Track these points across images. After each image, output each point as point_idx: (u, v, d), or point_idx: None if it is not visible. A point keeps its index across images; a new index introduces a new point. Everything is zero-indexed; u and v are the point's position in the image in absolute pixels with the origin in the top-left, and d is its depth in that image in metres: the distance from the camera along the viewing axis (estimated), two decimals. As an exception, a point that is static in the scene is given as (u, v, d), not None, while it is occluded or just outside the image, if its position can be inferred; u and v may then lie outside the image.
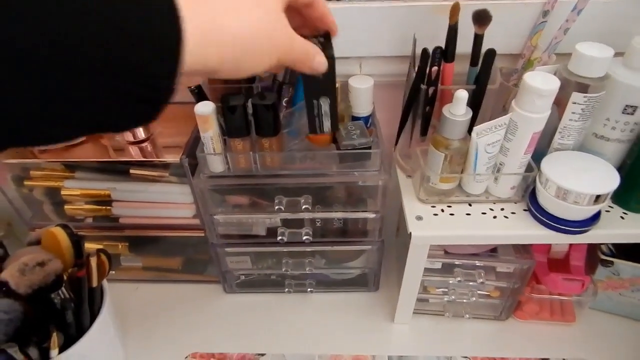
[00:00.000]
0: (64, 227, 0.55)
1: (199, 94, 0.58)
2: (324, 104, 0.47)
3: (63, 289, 0.50)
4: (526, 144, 0.51)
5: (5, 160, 0.60)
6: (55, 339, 0.49)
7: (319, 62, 0.36)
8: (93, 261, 0.52)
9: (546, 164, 0.52)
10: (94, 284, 0.53)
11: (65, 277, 0.53)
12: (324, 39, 0.43)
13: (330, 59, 0.42)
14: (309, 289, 0.70)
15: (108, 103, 0.23)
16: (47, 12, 0.20)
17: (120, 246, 0.70)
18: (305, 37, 0.36)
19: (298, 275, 0.70)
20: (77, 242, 0.54)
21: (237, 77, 0.30)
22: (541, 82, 0.48)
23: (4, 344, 0.46)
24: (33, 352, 0.48)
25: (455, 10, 0.48)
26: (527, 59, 0.56)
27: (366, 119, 0.61)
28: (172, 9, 0.23)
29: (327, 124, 0.48)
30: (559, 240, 0.54)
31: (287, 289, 0.70)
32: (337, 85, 0.58)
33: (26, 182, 0.62)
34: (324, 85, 0.45)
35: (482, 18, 0.48)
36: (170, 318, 0.70)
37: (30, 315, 0.49)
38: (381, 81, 0.62)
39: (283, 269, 0.67)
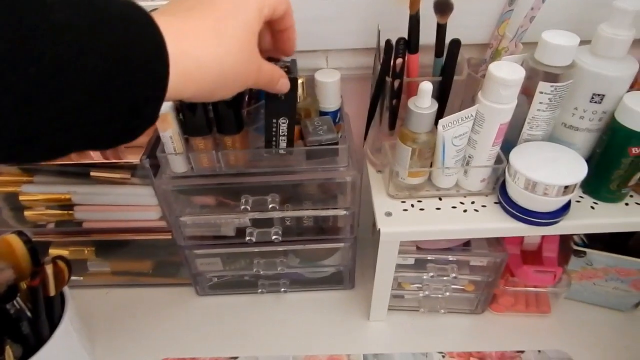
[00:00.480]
0: (20, 234, 0.52)
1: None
2: (283, 124, 0.50)
3: (17, 299, 0.48)
4: (494, 135, 0.50)
5: (-43, 165, 0.57)
6: (9, 351, 0.47)
7: (282, 84, 0.40)
8: (49, 269, 0.50)
9: (515, 155, 0.51)
10: (51, 292, 0.51)
11: (24, 286, 0.51)
12: (290, 63, 0.48)
13: (293, 81, 0.45)
14: (282, 289, 0.68)
15: (95, 132, 0.24)
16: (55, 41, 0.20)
17: (86, 251, 0.67)
18: (271, 60, 0.39)
19: (271, 275, 0.68)
20: (33, 249, 0.52)
21: (207, 101, 0.33)
22: (506, 72, 0.46)
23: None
24: (-14, 366, 0.45)
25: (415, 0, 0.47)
26: (495, 49, 0.55)
27: (334, 114, 0.60)
28: (161, 55, 0.25)
29: (283, 144, 0.52)
30: (530, 233, 0.54)
31: (260, 290, 0.69)
32: (303, 80, 0.57)
33: (-19, 188, 0.59)
34: (285, 106, 0.48)
35: (443, 7, 0.47)
36: (142, 323, 0.68)
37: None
38: (349, 75, 0.60)
39: (254, 270, 0.65)
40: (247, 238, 0.60)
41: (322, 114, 0.60)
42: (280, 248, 0.64)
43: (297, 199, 0.60)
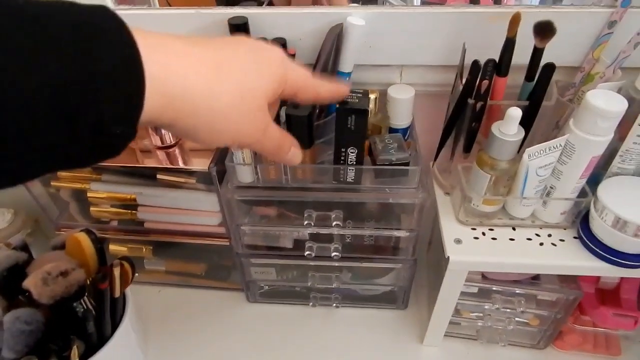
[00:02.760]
0: (89, 232, 0.53)
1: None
2: (352, 154, 0.50)
3: (85, 298, 0.49)
4: (583, 168, 0.47)
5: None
6: (75, 350, 0.48)
7: (293, 155, 0.34)
8: (116, 271, 0.50)
9: (603, 189, 0.48)
10: (117, 294, 0.51)
11: (88, 283, 0.52)
12: (362, 94, 0.46)
13: (364, 113, 0.45)
14: (334, 304, 0.67)
15: (60, 154, 0.22)
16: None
17: (144, 249, 0.68)
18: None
19: (324, 289, 0.67)
20: (101, 249, 0.53)
21: (190, 140, 0.29)
22: (605, 101, 0.43)
23: (25, 357, 0.44)
24: (53, 363, 0.46)
25: (515, 21, 0.44)
26: (587, 73, 0.51)
27: (404, 131, 0.57)
28: (133, 68, 0.22)
29: (351, 173, 0.51)
30: (614, 274, 0.50)
31: (311, 303, 0.68)
32: (376, 95, 0.55)
33: (53, 183, 0.61)
34: (355, 137, 0.48)
35: (545, 31, 0.44)
36: (192, 325, 0.68)
37: (50, 325, 0.47)
38: (422, 90, 0.58)
39: (309, 283, 0.64)
40: (307, 252, 0.58)
41: (392, 130, 0.58)
42: (336, 264, 0.62)
43: (359, 216, 0.58)
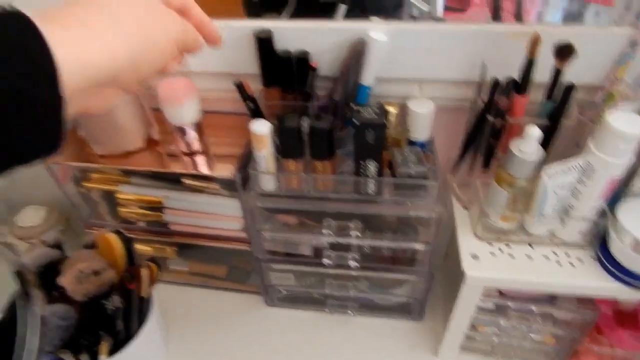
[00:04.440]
0: (119, 233, 0.56)
1: (255, 110, 0.58)
2: (371, 166, 0.51)
3: (114, 296, 0.51)
4: (602, 189, 0.47)
5: (67, 162, 0.62)
6: (105, 345, 0.50)
7: (202, 41, 0.37)
8: (144, 273, 0.53)
9: (623, 211, 0.48)
10: (144, 294, 0.54)
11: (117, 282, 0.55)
12: (378, 108, 0.48)
13: (382, 127, 0.47)
14: (350, 312, 0.68)
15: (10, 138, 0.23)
16: None
17: (168, 250, 0.71)
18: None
19: (341, 297, 0.68)
20: (129, 249, 0.55)
21: (138, 79, 0.30)
22: (627, 123, 0.43)
23: (59, 350, 0.47)
24: (84, 358, 0.49)
25: (535, 42, 0.44)
26: (608, 93, 0.51)
27: (423, 144, 0.58)
28: (39, 43, 0.23)
29: (371, 185, 0.53)
30: (632, 297, 0.49)
31: (328, 310, 0.69)
32: (396, 109, 0.57)
33: (84, 184, 0.64)
34: (373, 150, 0.50)
35: (565, 53, 0.44)
36: (212, 325, 0.70)
37: (82, 321, 0.50)
38: (441, 104, 0.59)
39: (326, 290, 0.66)
40: (325, 261, 0.60)
41: (411, 142, 0.59)
42: (354, 273, 0.64)
43: (377, 226, 0.59)
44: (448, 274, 0.70)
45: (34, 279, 0.49)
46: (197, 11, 0.36)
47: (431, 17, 0.86)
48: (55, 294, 0.53)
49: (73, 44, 0.25)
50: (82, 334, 0.50)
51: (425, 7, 0.83)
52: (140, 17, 0.30)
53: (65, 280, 0.49)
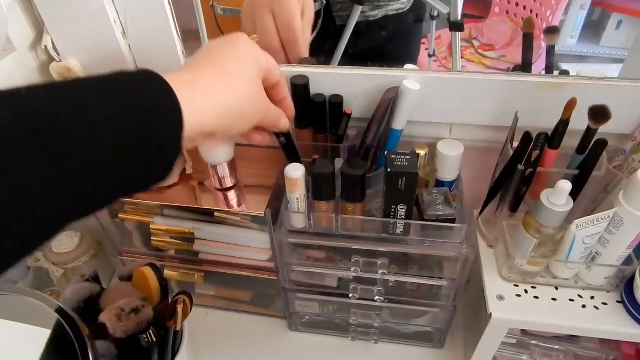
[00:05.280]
0: (153, 267, 0.58)
1: (288, 148, 0.59)
2: (402, 210, 0.53)
3: (151, 331, 0.53)
4: (630, 240, 0.48)
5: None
6: (142, 379, 0.52)
7: (285, 124, 0.48)
8: (179, 308, 0.55)
9: (650, 260, 0.49)
10: (178, 328, 0.56)
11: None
12: (410, 156, 0.50)
13: (414, 176, 0.49)
14: (373, 340, 0.70)
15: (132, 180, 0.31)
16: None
17: (196, 275, 0.73)
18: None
19: (364, 324, 0.70)
20: (164, 284, 0.57)
21: (228, 133, 0.39)
22: (657, 180, 0.44)
23: (100, 386, 0.49)
24: (123, 392, 0.51)
25: (571, 106, 0.45)
26: (638, 143, 0.52)
27: (451, 184, 0.60)
28: (174, 105, 0.31)
29: (400, 227, 0.54)
30: (656, 343, 0.51)
31: (350, 337, 0.71)
32: (426, 151, 0.58)
33: (120, 215, 0.66)
34: (405, 195, 0.52)
35: (599, 116, 0.45)
36: (236, 348, 0.72)
37: (120, 356, 0.52)
38: (470, 145, 0.60)
39: (351, 320, 0.67)
40: (351, 295, 0.62)
41: (439, 182, 0.60)
42: (378, 304, 0.65)
43: (403, 262, 0.61)
44: (468, 301, 0.72)
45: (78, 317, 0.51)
46: (285, 90, 0.47)
47: (448, 20, 0.87)
48: (93, 327, 0.55)
49: (197, 109, 0.33)
50: (121, 368, 0.52)
51: (444, 10, 0.85)
52: (242, 88, 0.39)
53: (106, 317, 0.51)
